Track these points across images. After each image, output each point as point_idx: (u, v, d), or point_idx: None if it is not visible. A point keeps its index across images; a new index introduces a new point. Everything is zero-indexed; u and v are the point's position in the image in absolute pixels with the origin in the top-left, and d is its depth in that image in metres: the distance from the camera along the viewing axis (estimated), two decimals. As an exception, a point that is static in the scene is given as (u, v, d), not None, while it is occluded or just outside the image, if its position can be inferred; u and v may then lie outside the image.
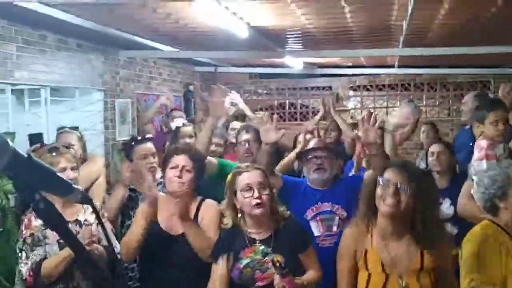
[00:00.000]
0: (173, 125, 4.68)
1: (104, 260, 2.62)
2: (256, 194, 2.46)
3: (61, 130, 3.97)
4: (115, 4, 3.90)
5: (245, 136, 3.53)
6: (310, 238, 2.71)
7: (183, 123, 4.55)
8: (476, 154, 3.25)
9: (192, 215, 2.74)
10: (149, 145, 3.55)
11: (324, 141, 3.40)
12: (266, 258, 2.41)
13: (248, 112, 4.55)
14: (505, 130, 3.25)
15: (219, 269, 2.46)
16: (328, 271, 2.54)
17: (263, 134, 3.03)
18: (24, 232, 2.56)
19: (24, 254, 2.53)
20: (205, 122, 3.34)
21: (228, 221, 2.58)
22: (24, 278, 2.50)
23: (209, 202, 2.87)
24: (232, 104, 4.73)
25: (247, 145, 3.47)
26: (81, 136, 3.95)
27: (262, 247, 2.46)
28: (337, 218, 3.01)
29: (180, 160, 2.78)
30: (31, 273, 2.48)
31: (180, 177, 2.73)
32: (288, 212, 2.61)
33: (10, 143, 0.85)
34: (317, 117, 5.73)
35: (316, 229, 3.02)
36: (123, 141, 4.44)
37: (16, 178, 0.90)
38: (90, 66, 5.54)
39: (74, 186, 0.99)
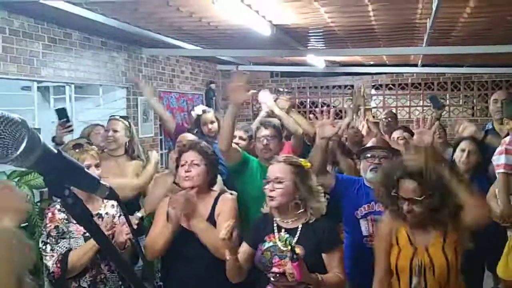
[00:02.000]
0: (194, 113, 4.73)
1: (129, 253, 2.67)
2: (270, 186, 2.54)
3: (110, 117, 4.08)
4: (138, 2, 3.94)
5: (264, 132, 3.52)
6: (339, 240, 2.68)
7: (203, 110, 4.60)
8: (498, 148, 3.22)
9: (208, 210, 2.78)
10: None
11: (382, 140, 3.37)
12: (288, 247, 2.43)
13: (276, 110, 4.49)
14: None
15: (243, 249, 2.58)
16: (361, 268, 2.61)
17: (319, 129, 3.02)
18: (48, 225, 2.57)
19: (48, 247, 2.54)
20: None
21: (265, 206, 2.65)
22: (51, 272, 2.52)
23: (226, 197, 2.89)
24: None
25: (265, 141, 3.46)
26: (129, 124, 4.05)
27: (287, 235, 2.51)
28: None
29: (187, 156, 2.84)
30: (59, 265, 2.50)
31: (188, 171, 2.78)
32: (323, 210, 2.61)
33: (42, 139, 0.87)
34: (346, 121, 5.43)
35: (365, 228, 3.00)
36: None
37: (46, 173, 0.91)
38: (113, 64, 5.61)
39: (102, 182, 1.01)
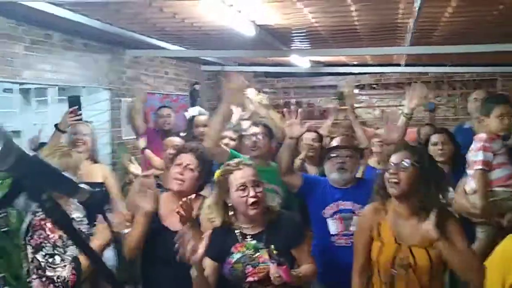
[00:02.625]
0: (188, 114, 4.73)
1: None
2: (252, 193, 2.41)
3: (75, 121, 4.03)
4: (121, 3, 3.91)
5: (254, 129, 3.51)
6: (304, 233, 2.63)
7: (198, 112, 4.59)
8: (474, 145, 3.23)
9: (194, 215, 2.73)
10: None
11: (347, 140, 3.36)
12: (257, 253, 2.37)
13: (261, 110, 4.49)
14: (509, 125, 3.23)
15: (208, 267, 2.39)
16: (344, 270, 2.56)
17: (287, 129, 3.03)
18: (51, 236, 2.41)
19: (58, 258, 2.40)
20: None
21: (216, 219, 2.49)
22: (66, 281, 2.37)
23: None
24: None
25: (254, 138, 3.45)
26: (93, 130, 4.12)
27: (254, 241, 2.42)
28: (356, 218, 2.98)
29: (185, 158, 2.79)
30: (74, 272, 2.39)
31: (181, 174, 2.74)
32: (279, 208, 2.62)
33: (15, 143, 0.85)
34: (328, 122, 5.45)
35: (334, 226, 3.01)
36: None
37: (23, 177, 0.89)
38: (96, 66, 5.55)
39: (81, 185, 0.99)
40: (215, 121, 3.17)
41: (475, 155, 3.16)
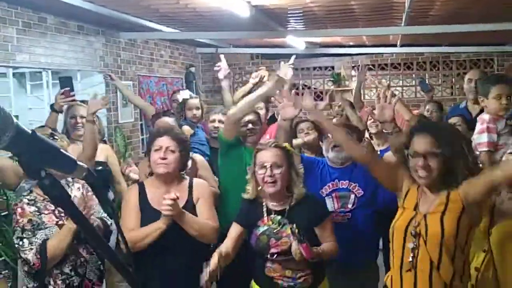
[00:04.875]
0: (180, 97, 4.72)
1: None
2: (268, 172, 2.58)
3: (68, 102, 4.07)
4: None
5: (248, 117, 3.53)
6: (327, 212, 2.79)
7: (190, 95, 4.59)
8: (478, 126, 3.24)
9: (185, 195, 2.76)
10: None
11: (343, 121, 3.42)
12: (281, 228, 2.56)
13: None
14: (507, 105, 3.23)
15: (232, 232, 2.66)
16: (341, 245, 2.64)
17: (280, 111, 3.07)
18: (20, 220, 2.52)
19: (26, 241, 2.50)
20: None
21: (249, 191, 2.71)
22: (32, 264, 2.48)
23: (200, 182, 2.92)
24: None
25: (250, 125, 3.48)
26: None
27: (279, 217, 2.61)
28: (353, 196, 3.07)
29: (163, 141, 2.78)
30: (38, 256, 2.48)
31: (164, 158, 2.73)
32: (305, 190, 2.70)
33: (14, 119, 0.85)
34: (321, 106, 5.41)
35: (330, 204, 3.07)
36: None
37: (21, 155, 0.89)
38: (91, 49, 5.52)
39: (79, 162, 0.99)
40: (252, 98, 3.30)
41: (479, 137, 3.17)
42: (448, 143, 2.19)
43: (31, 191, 2.63)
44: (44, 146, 0.92)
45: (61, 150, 0.95)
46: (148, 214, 2.70)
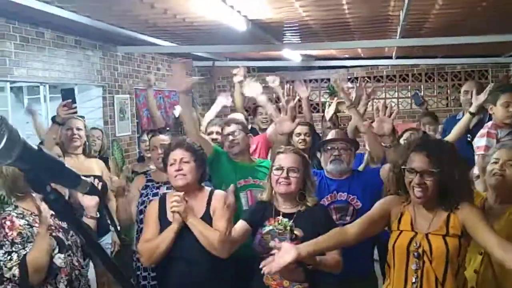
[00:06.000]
0: (176, 112, 4.75)
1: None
2: (284, 174, 2.64)
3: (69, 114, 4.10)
4: (112, 0, 3.90)
5: (227, 129, 3.52)
6: (333, 223, 2.76)
7: None
8: (480, 131, 3.30)
9: (203, 207, 2.78)
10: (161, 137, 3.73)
11: (342, 133, 3.43)
12: (286, 230, 2.58)
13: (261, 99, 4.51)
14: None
15: (238, 224, 2.66)
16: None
17: (277, 125, 3.09)
18: (9, 233, 2.45)
19: (15, 255, 2.42)
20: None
21: (264, 194, 2.78)
22: (17, 279, 2.40)
23: (220, 192, 2.87)
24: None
25: (231, 137, 3.46)
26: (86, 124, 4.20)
27: (286, 219, 2.63)
28: (351, 208, 3.06)
29: (176, 154, 2.81)
30: (19, 269, 2.40)
31: (179, 169, 2.76)
32: (317, 199, 2.75)
33: (21, 136, 0.86)
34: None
35: None
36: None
37: (27, 170, 0.91)
38: (88, 63, 5.54)
39: (82, 177, 1.01)
40: (183, 113, 3.31)
41: (478, 141, 3.22)
42: (445, 163, 2.20)
43: (16, 206, 2.59)
44: (50, 162, 0.93)
45: (66, 165, 0.97)
46: (165, 227, 2.71)
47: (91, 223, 2.68)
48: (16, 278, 2.41)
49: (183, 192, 2.70)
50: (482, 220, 2.15)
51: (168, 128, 4.88)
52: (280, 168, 2.66)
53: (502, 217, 2.45)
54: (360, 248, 2.97)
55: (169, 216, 2.74)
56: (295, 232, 2.45)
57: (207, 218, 2.74)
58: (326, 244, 2.35)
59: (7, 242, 2.45)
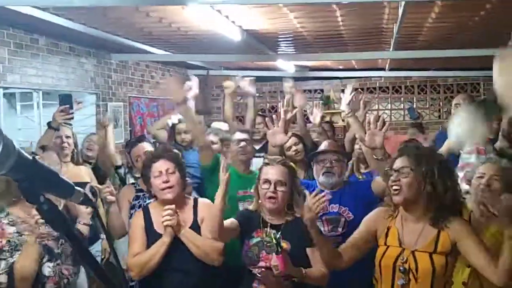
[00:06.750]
0: (169, 121, 4.74)
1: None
2: (271, 188, 2.58)
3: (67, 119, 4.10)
4: (107, 7, 3.91)
5: (241, 135, 3.60)
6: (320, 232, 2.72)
7: (179, 120, 4.61)
8: (468, 148, 3.30)
9: (190, 216, 2.75)
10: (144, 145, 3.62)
11: (334, 144, 3.41)
12: (273, 241, 2.51)
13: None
14: (497, 129, 3.30)
15: (230, 220, 2.59)
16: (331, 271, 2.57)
17: (270, 137, 3.07)
18: None
19: (3, 263, 2.42)
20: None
21: (252, 204, 2.73)
22: (3, 287, 2.41)
23: (205, 201, 2.87)
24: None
25: (242, 143, 3.51)
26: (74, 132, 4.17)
27: (273, 231, 2.58)
28: (343, 220, 3.04)
29: (161, 165, 2.75)
30: (7, 276, 2.40)
31: (167, 181, 2.71)
32: None
33: (16, 145, 0.86)
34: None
35: (320, 228, 3.03)
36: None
37: (21, 180, 0.90)
38: (82, 70, 5.53)
39: (76, 187, 1.00)
40: (186, 122, 3.33)
41: (467, 158, 3.22)
42: (424, 162, 2.23)
43: (8, 213, 2.58)
44: (44, 172, 0.93)
45: (60, 175, 0.97)
46: (152, 239, 2.67)
47: (85, 229, 2.68)
48: (3, 286, 2.41)
49: (174, 205, 2.66)
50: (473, 239, 2.17)
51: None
52: (267, 181, 2.61)
53: (488, 231, 2.47)
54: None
55: (156, 227, 2.70)
56: (282, 244, 2.40)
57: (195, 227, 2.72)
58: (328, 248, 2.41)
59: None
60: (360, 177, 3.85)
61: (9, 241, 2.48)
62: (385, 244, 2.31)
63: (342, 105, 3.85)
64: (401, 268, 2.20)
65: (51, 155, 3.04)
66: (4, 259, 2.44)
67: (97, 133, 4.53)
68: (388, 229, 2.33)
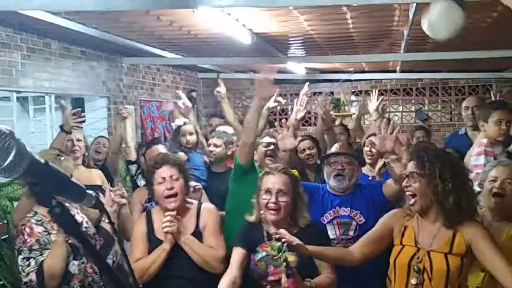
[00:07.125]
0: (174, 124, 4.74)
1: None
2: (273, 199, 2.48)
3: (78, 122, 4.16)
4: (119, 12, 3.94)
5: (270, 139, 3.53)
6: (327, 242, 2.67)
7: (184, 122, 4.61)
8: (475, 149, 3.26)
9: (193, 223, 2.71)
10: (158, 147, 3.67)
11: (345, 147, 3.35)
12: (281, 255, 2.41)
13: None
14: (507, 131, 3.26)
15: (236, 258, 2.50)
16: (343, 274, 2.56)
17: (279, 142, 3.02)
18: (28, 240, 2.50)
19: (33, 261, 2.47)
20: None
21: (252, 214, 2.59)
22: (33, 284, 2.45)
23: (208, 207, 2.84)
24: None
25: (272, 146, 3.46)
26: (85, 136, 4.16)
27: (279, 243, 2.43)
28: (354, 223, 3.00)
29: (164, 172, 2.70)
30: (37, 275, 2.44)
31: (172, 188, 2.67)
32: (309, 218, 2.62)
33: (27, 150, 0.87)
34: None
35: (332, 232, 3.01)
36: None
37: (34, 184, 0.91)
38: (94, 73, 5.58)
39: (88, 191, 1.01)
40: (250, 116, 3.06)
41: (476, 159, 3.19)
42: (435, 166, 2.21)
43: (36, 213, 2.63)
44: (56, 175, 0.94)
45: (72, 179, 0.98)
46: (154, 245, 2.66)
47: (109, 228, 2.69)
48: (33, 283, 2.46)
49: (175, 212, 2.62)
50: (489, 242, 2.15)
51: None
52: (268, 191, 2.50)
53: (502, 235, 2.44)
54: (369, 264, 2.92)
55: (157, 233, 2.68)
56: (290, 261, 2.30)
57: (197, 234, 2.68)
58: (332, 254, 2.39)
59: (25, 248, 2.50)
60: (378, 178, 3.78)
61: (38, 240, 2.52)
62: (401, 243, 2.31)
63: (370, 110, 3.82)
64: (415, 267, 2.20)
65: (69, 160, 3.06)
66: (34, 257, 2.48)
67: (114, 127, 4.46)
68: (405, 228, 2.32)
